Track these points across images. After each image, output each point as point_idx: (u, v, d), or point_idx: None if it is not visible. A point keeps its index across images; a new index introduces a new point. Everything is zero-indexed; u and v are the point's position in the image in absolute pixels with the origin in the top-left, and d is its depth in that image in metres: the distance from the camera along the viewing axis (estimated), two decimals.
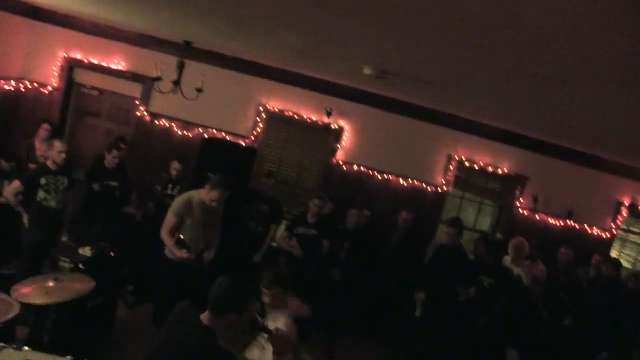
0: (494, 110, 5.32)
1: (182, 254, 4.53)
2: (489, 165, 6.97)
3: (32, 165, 5.62)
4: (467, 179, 7.08)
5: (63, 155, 5.03)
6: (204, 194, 4.60)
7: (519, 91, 3.06)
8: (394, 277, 6.15)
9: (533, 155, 6.90)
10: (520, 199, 7.02)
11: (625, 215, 7.10)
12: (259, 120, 6.84)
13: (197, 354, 2.52)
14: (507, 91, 3.25)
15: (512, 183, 7.06)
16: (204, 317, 2.61)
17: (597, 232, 7.06)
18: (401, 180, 6.96)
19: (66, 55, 6.84)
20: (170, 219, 4.58)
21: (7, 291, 4.44)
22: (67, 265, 4.42)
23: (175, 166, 5.87)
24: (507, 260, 5.88)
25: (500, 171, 6.97)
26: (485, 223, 7.46)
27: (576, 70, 1.96)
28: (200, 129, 6.81)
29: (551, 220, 7.04)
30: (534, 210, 6.97)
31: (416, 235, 6.44)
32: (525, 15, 1.42)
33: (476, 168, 6.98)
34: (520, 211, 7.04)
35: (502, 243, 6.39)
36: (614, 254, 7.19)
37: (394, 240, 6.32)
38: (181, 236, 4.51)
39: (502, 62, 2.17)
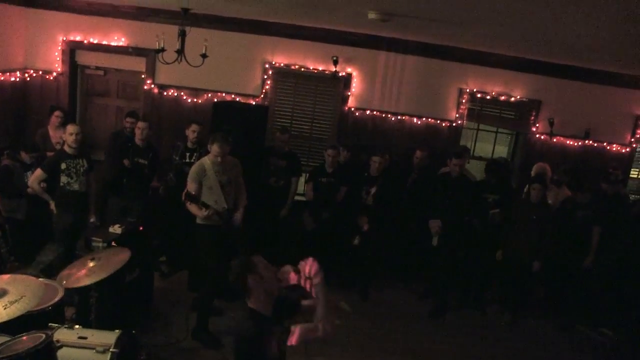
0: (502, 39, 5.26)
1: (202, 213, 4.58)
2: (502, 94, 6.92)
3: (50, 154, 5.67)
4: (480, 110, 7.03)
5: (76, 137, 5.08)
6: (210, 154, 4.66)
7: (518, 13, 3.04)
8: (413, 217, 6.19)
9: (545, 79, 6.83)
10: (537, 124, 6.99)
11: None
12: (266, 77, 6.81)
13: None
14: (511, 14, 3.24)
15: (526, 109, 7.02)
16: None
17: (616, 148, 7.04)
18: (415, 120, 6.95)
19: (66, 39, 6.77)
20: (189, 186, 4.65)
21: (48, 276, 4.61)
22: (100, 245, 4.50)
23: (194, 128, 5.83)
24: None
25: (513, 99, 6.92)
26: (503, 152, 7.45)
27: None
28: (209, 94, 6.80)
29: (569, 142, 7.03)
30: (550, 134, 6.93)
31: (434, 173, 6.40)
32: None
33: (488, 98, 6.94)
34: (537, 136, 7.02)
35: (506, 163, 6.61)
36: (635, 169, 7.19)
37: (411, 180, 6.31)
38: (191, 192, 4.56)
39: None
